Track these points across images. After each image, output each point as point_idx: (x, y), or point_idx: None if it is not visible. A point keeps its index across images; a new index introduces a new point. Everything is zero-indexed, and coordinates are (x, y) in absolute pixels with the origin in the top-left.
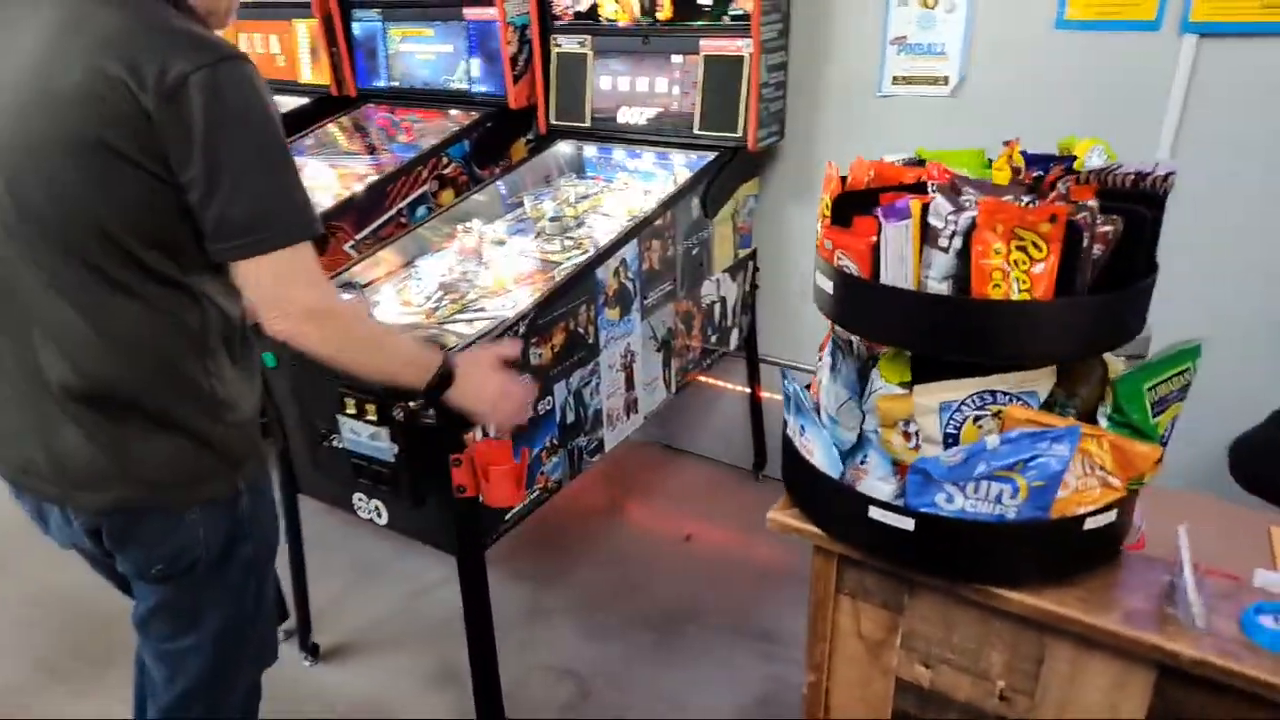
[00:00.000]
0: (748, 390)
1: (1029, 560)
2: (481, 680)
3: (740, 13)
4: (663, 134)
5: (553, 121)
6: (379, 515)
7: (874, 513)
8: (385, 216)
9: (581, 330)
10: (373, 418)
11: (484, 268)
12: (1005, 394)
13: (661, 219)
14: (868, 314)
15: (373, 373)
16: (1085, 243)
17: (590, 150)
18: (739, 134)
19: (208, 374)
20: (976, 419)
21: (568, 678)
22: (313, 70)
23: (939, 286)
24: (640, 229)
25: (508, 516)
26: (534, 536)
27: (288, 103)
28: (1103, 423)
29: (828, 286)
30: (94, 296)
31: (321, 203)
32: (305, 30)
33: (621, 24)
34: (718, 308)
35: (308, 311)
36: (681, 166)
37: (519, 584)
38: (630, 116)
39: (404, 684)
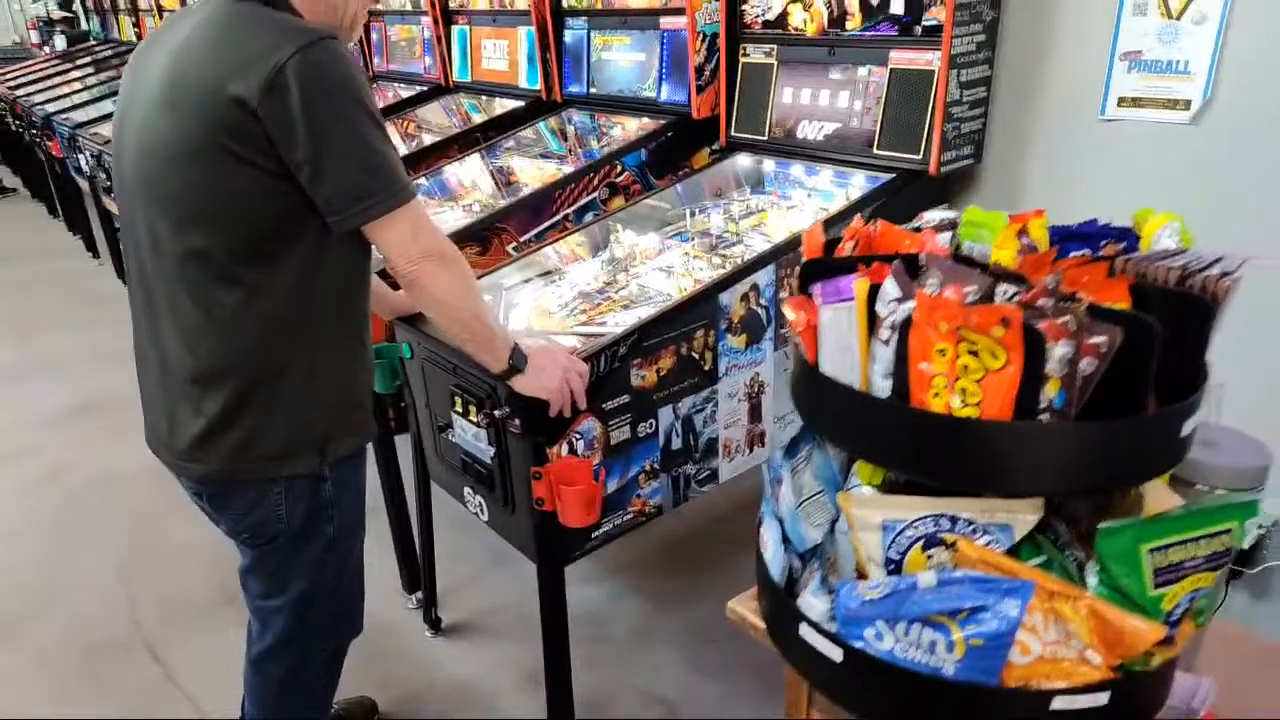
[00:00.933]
0: None
1: None
2: (554, 688)
3: (934, 23)
4: (840, 151)
5: (733, 133)
6: (482, 511)
7: (804, 631)
8: (550, 221)
9: (696, 355)
10: (475, 418)
11: (629, 279)
12: (970, 522)
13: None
14: (812, 402)
15: (472, 336)
16: (1070, 353)
17: (769, 165)
18: (920, 156)
19: (303, 360)
20: (927, 546)
21: (657, 704)
22: (530, 75)
23: (882, 385)
24: (780, 254)
25: (594, 534)
26: (668, 552)
27: (505, 104)
28: (1091, 582)
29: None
30: (205, 286)
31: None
32: (526, 37)
33: (809, 34)
34: None
35: (432, 252)
36: (858, 187)
37: (638, 599)
38: (809, 131)
39: (502, 675)
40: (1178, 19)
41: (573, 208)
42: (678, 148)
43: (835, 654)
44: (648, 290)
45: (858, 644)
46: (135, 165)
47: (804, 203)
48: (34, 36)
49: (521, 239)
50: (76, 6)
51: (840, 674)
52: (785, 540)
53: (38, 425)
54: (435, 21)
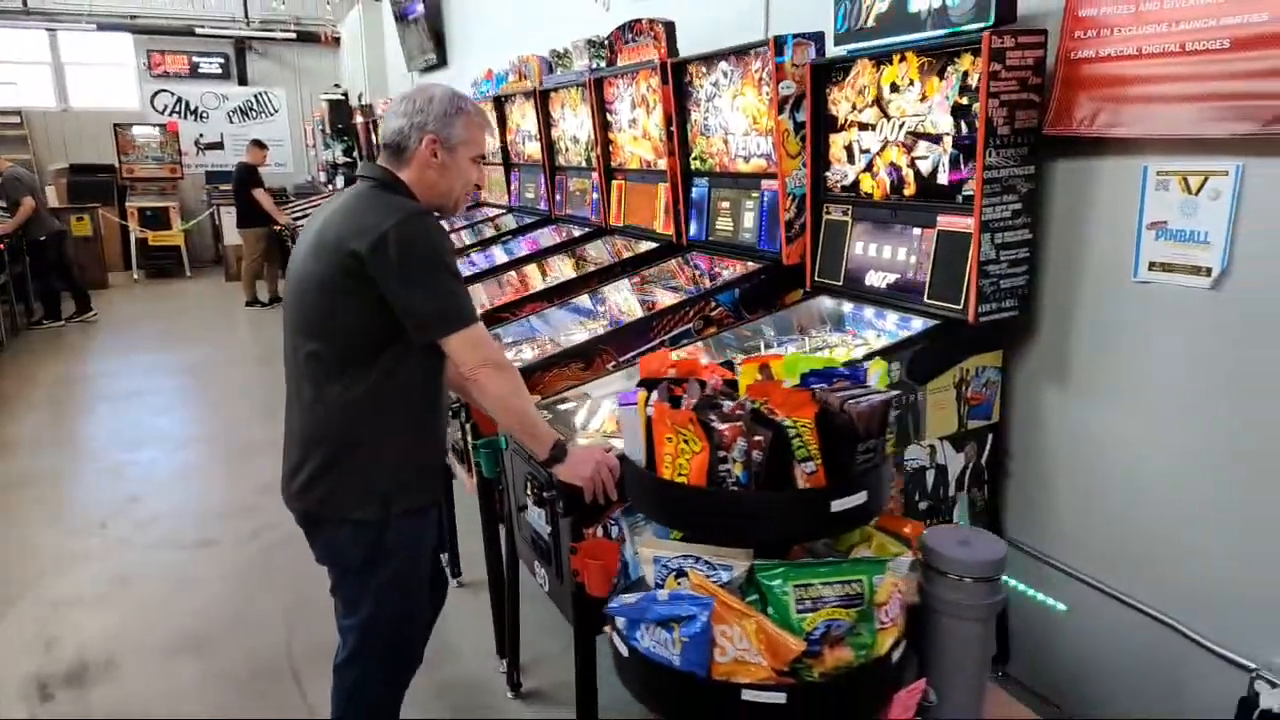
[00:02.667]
0: None
1: (691, 712)
2: None
3: (971, 193)
4: (897, 299)
5: (816, 278)
6: (545, 583)
7: (612, 634)
8: (647, 346)
9: None
10: (536, 498)
11: None
12: (707, 562)
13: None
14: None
15: (521, 428)
16: (745, 446)
17: (848, 307)
18: (960, 306)
19: (376, 433)
20: (679, 575)
21: None
22: (665, 222)
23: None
24: None
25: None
26: None
27: (640, 246)
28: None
29: None
30: (319, 378)
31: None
32: (662, 192)
33: (876, 198)
34: (930, 474)
35: (485, 362)
36: (915, 330)
37: None
38: (875, 280)
39: None
40: (1195, 194)
41: (669, 335)
42: (770, 288)
43: (624, 650)
44: None
45: (634, 643)
46: (294, 294)
47: (874, 341)
48: (322, 176)
49: (620, 359)
50: (355, 154)
51: (626, 665)
52: (625, 574)
53: (260, 492)
54: (601, 176)
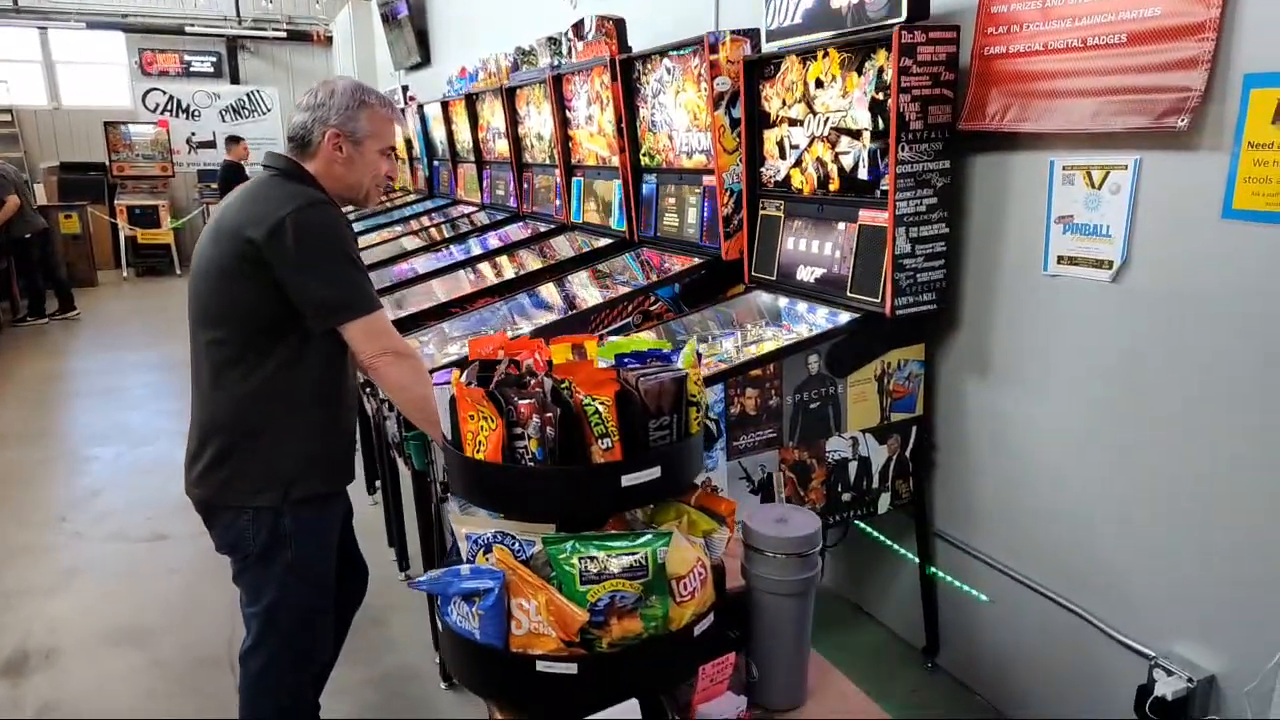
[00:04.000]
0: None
1: (493, 685)
2: None
3: (887, 187)
4: (824, 293)
5: (753, 273)
6: None
7: (437, 612)
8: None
9: None
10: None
11: None
12: (513, 538)
13: (761, 369)
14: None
15: (421, 417)
16: (539, 423)
17: (783, 301)
18: (878, 299)
19: (274, 421)
20: (488, 550)
21: None
22: (619, 219)
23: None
24: (728, 375)
25: None
26: None
27: (598, 242)
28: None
29: None
30: (216, 363)
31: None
32: (616, 189)
33: (805, 193)
34: (853, 466)
35: (384, 350)
36: (840, 323)
37: None
38: (804, 275)
39: None
40: (1098, 188)
41: (607, 329)
42: (711, 283)
43: (440, 624)
44: None
45: (445, 618)
46: (191, 279)
47: (804, 334)
48: None
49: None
50: None
51: (443, 641)
52: (455, 552)
53: None
54: (562, 173)
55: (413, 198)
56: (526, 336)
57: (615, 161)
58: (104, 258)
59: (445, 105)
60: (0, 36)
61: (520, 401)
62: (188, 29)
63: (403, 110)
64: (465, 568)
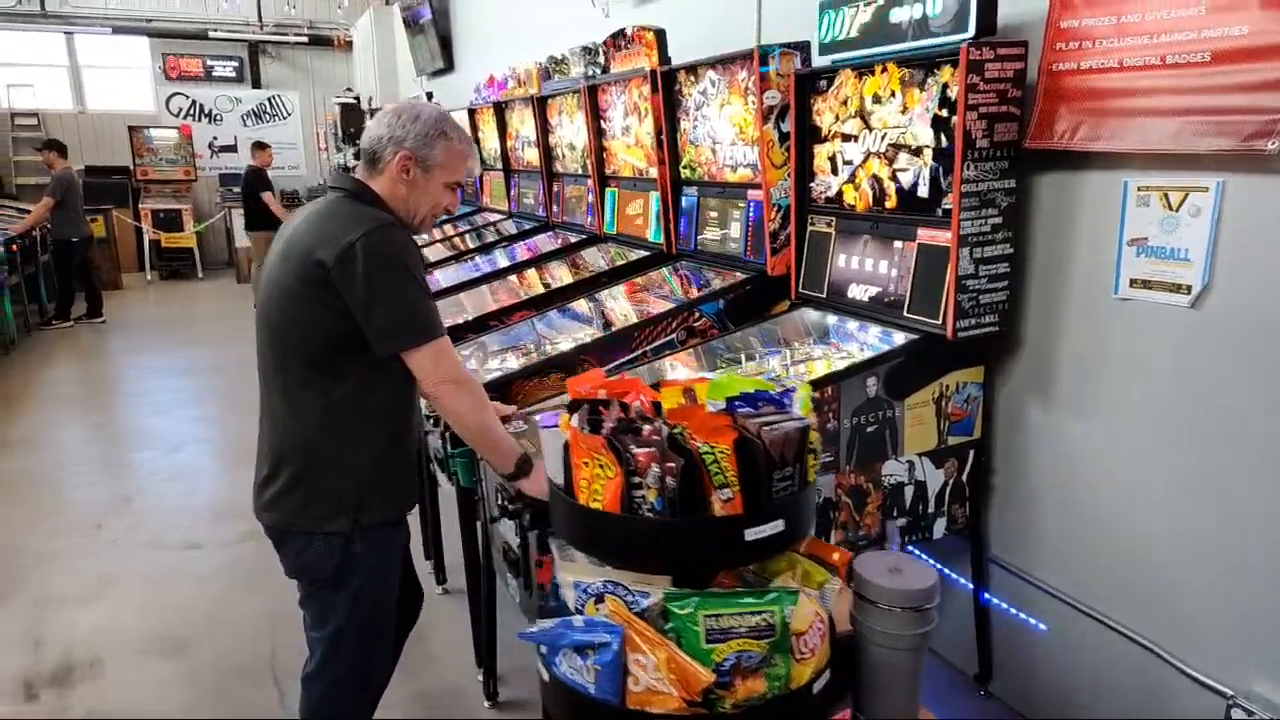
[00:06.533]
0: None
1: None
2: None
3: (950, 206)
4: (878, 312)
5: (800, 290)
6: (516, 596)
7: (536, 658)
8: (629, 356)
9: None
10: (503, 510)
11: None
12: (625, 588)
13: (820, 392)
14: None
15: (481, 443)
16: (660, 472)
17: (833, 319)
18: (939, 320)
19: (345, 445)
20: (599, 600)
21: None
22: (656, 231)
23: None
24: None
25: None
26: None
27: (632, 254)
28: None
29: None
30: (287, 387)
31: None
32: (654, 200)
33: (859, 209)
34: (909, 490)
35: (446, 378)
36: (896, 343)
37: None
38: (857, 293)
39: None
40: (1175, 211)
41: (651, 345)
42: (756, 299)
43: (545, 674)
44: None
45: (554, 668)
46: (264, 303)
47: (857, 354)
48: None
49: (603, 369)
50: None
51: (549, 692)
52: (555, 596)
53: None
54: (595, 183)
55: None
56: (626, 376)
57: (653, 173)
58: (128, 261)
59: (472, 113)
60: (28, 41)
61: (638, 450)
62: (211, 33)
63: None
64: (578, 619)
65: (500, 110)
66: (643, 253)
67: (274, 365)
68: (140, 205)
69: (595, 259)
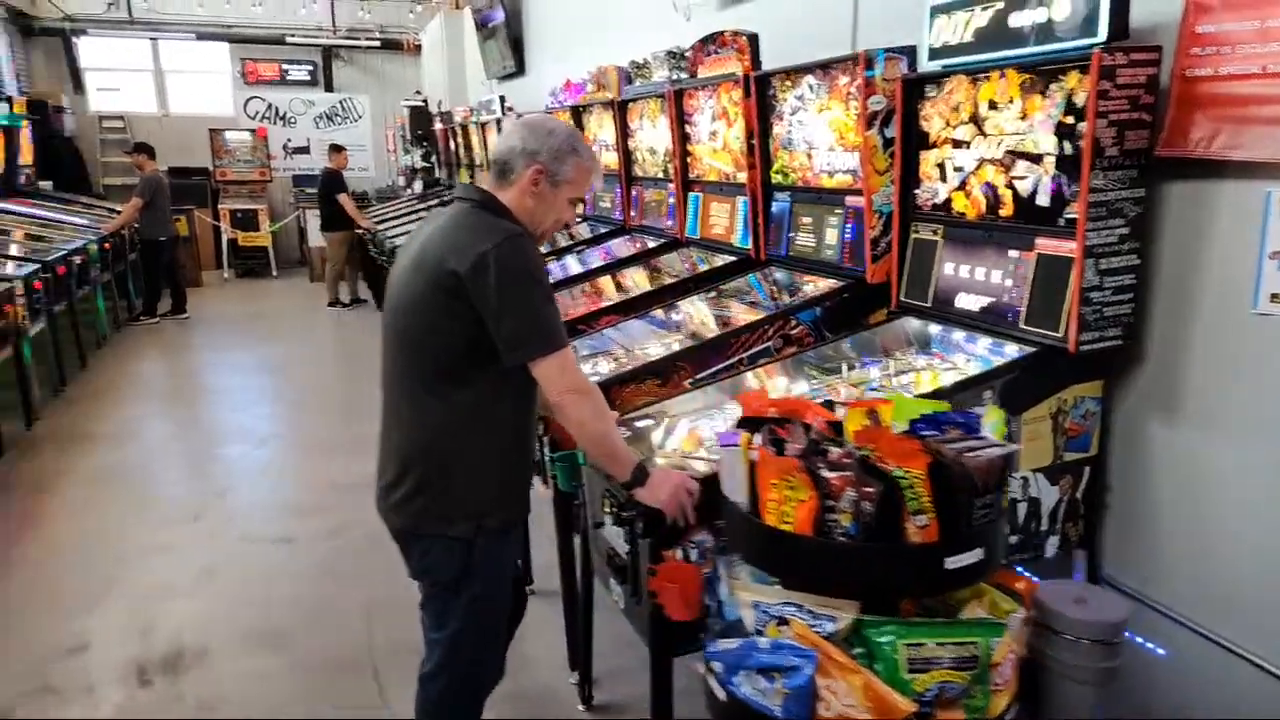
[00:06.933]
0: None
1: None
2: None
3: (1074, 216)
4: (991, 323)
5: (902, 298)
6: (620, 601)
7: (709, 678)
8: (725, 363)
9: None
10: (615, 518)
11: None
12: (810, 611)
13: None
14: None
15: (601, 452)
16: (855, 496)
17: (936, 329)
18: (1060, 333)
19: (471, 451)
20: (781, 622)
21: None
22: (743, 236)
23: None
24: None
25: (703, 634)
26: None
27: (724, 259)
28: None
29: None
30: (415, 393)
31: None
32: (741, 206)
33: (969, 217)
34: (1022, 507)
35: (571, 388)
36: (1008, 356)
37: None
38: (966, 302)
39: None
40: None
41: (747, 353)
42: (853, 307)
43: (720, 694)
44: None
45: (731, 688)
46: (393, 310)
47: (964, 366)
48: (401, 181)
49: (697, 376)
50: (433, 159)
51: (724, 711)
52: (719, 615)
53: (338, 489)
54: (678, 188)
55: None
56: (796, 396)
57: (741, 178)
58: (206, 259)
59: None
60: (116, 47)
61: (831, 474)
62: (288, 39)
63: (499, 120)
64: (764, 640)
65: (578, 114)
66: (727, 258)
67: (402, 370)
68: (219, 205)
69: (675, 264)
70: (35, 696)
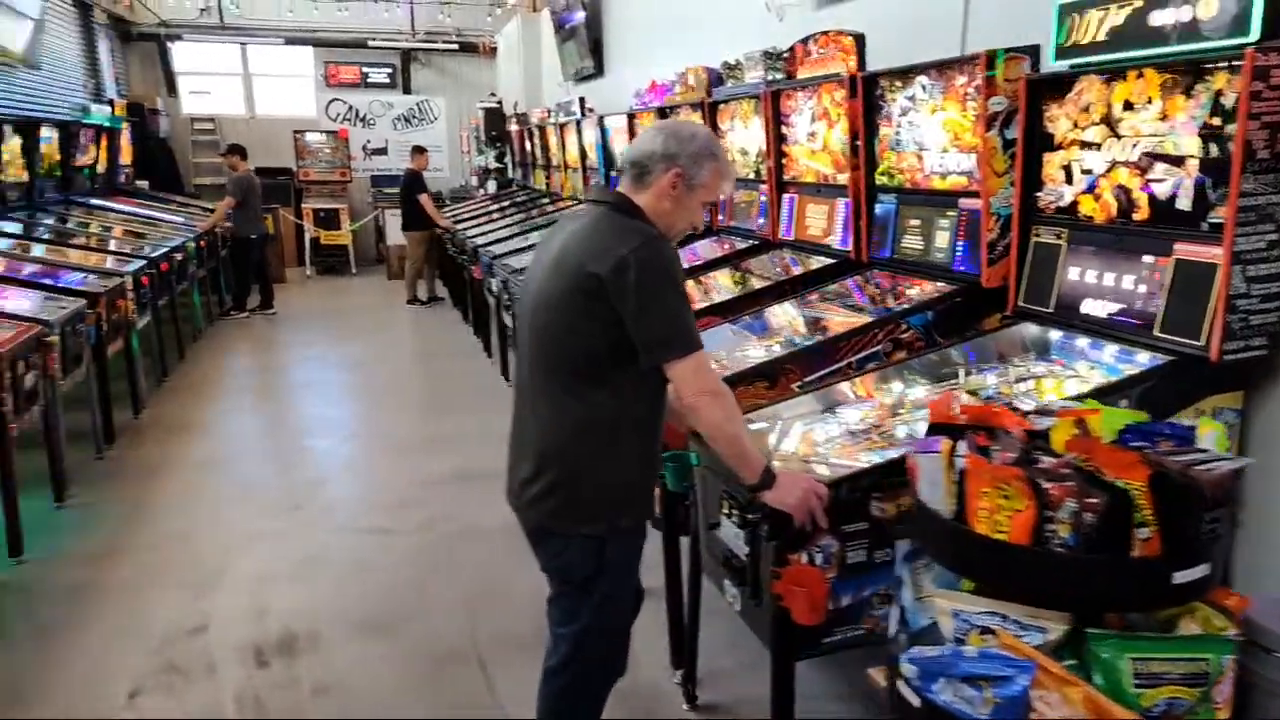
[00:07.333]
0: None
1: None
2: None
3: (1219, 220)
4: (1122, 330)
5: (1020, 303)
6: (736, 602)
7: (900, 685)
8: (833, 367)
9: None
10: (737, 520)
11: (895, 424)
12: (1016, 621)
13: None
14: (916, 520)
15: (732, 454)
16: (1076, 507)
17: (1056, 335)
18: (1201, 342)
19: (606, 450)
20: (983, 632)
21: None
22: (843, 238)
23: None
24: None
25: (826, 639)
26: None
27: (820, 261)
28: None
29: None
30: (553, 392)
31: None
32: (841, 207)
33: (1098, 221)
34: None
35: (706, 390)
36: (1139, 365)
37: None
38: (1093, 308)
39: None
40: None
41: (856, 356)
42: (965, 312)
43: (915, 700)
44: (914, 435)
45: (928, 695)
46: (531, 311)
47: (1087, 374)
48: (474, 181)
49: (805, 379)
50: (506, 160)
51: (919, 717)
52: (903, 622)
53: (428, 484)
54: (772, 190)
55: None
56: (982, 403)
57: (841, 179)
58: (289, 256)
59: (630, 118)
60: (207, 52)
61: (1050, 483)
62: (370, 42)
63: (580, 121)
64: (970, 649)
65: (663, 115)
66: (824, 260)
67: (541, 370)
68: (302, 204)
69: (766, 266)
70: (163, 674)
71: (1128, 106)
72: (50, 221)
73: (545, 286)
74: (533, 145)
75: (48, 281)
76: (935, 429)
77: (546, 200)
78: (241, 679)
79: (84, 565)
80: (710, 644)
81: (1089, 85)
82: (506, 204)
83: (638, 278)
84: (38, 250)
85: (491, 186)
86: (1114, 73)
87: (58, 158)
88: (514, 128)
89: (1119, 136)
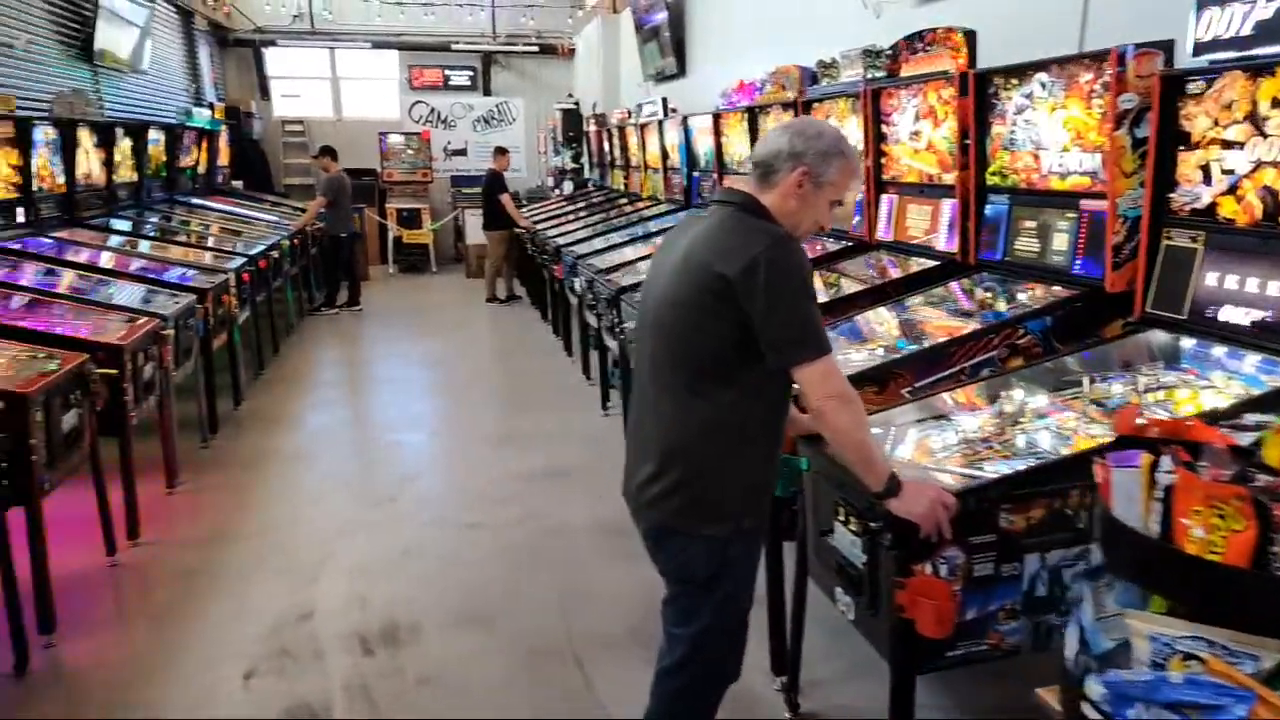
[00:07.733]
0: None
1: None
2: None
3: None
4: (1264, 339)
5: (1149, 309)
6: (849, 611)
7: (1085, 708)
8: (946, 372)
9: (1070, 512)
10: (855, 527)
11: (1016, 432)
12: (1224, 647)
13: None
14: (1107, 539)
15: (859, 460)
16: None
17: (1188, 343)
18: None
19: (731, 451)
20: (1186, 658)
21: None
22: (948, 239)
23: (1155, 528)
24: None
25: (949, 653)
26: None
27: (922, 263)
28: None
29: None
30: (678, 391)
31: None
32: (947, 208)
33: (1240, 223)
34: None
35: (834, 394)
36: None
37: None
38: (1234, 316)
39: None
40: None
41: (970, 362)
42: (1086, 318)
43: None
44: (1035, 445)
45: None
46: (656, 309)
47: (1224, 385)
48: (550, 181)
49: (916, 385)
50: (583, 160)
51: None
52: (1083, 643)
53: (517, 480)
54: (870, 189)
55: (666, 207)
56: (1181, 418)
57: (947, 179)
58: (372, 254)
59: (716, 117)
60: (297, 56)
61: (1275, 503)
62: (452, 46)
63: (662, 121)
64: (1175, 675)
65: (753, 115)
66: (926, 262)
67: (666, 368)
68: (385, 204)
69: (860, 268)
70: (276, 658)
71: (1275, 104)
72: (156, 220)
73: (670, 287)
74: (611, 146)
75: (156, 276)
76: (1123, 442)
77: (625, 200)
78: (348, 666)
79: (195, 550)
80: (809, 652)
81: (1231, 82)
82: (583, 204)
83: (767, 278)
84: (144, 247)
85: (568, 187)
86: (1261, 69)
87: (163, 159)
88: (591, 128)
89: (1265, 135)
